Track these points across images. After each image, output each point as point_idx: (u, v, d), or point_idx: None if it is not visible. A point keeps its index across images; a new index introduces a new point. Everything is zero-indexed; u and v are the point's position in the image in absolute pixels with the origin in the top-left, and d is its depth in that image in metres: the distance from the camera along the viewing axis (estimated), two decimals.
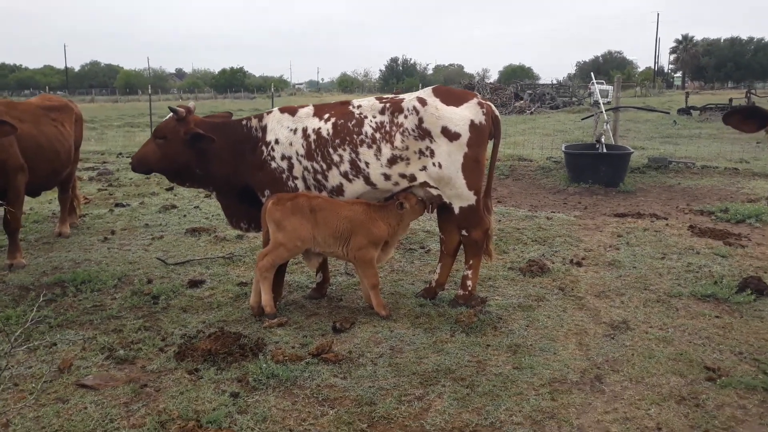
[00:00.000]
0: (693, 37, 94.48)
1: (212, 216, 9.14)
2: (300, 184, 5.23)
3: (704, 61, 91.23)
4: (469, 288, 5.31)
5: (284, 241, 5.02)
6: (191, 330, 4.97)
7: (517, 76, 79.05)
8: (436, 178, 5.02)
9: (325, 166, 5.12)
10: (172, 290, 5.91)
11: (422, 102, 4.97)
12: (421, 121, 4.93)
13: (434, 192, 5.10)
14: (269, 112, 5.38)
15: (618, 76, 14.01)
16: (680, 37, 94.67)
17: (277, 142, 5.19)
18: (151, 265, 6.82)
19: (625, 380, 4.08)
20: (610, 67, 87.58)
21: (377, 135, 5.01)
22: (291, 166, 5.18)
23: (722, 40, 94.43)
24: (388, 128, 5.01)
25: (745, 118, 3.90)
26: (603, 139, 12.23)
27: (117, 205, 10.26)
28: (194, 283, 6.10)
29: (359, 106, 5.17)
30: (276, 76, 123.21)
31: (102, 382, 4.11)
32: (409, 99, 5.07)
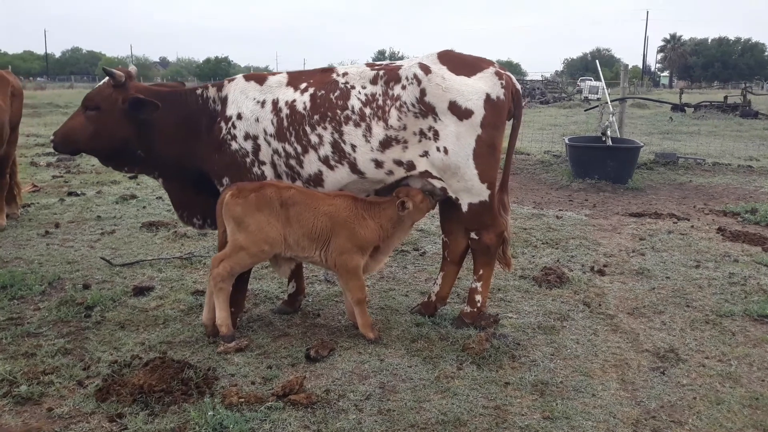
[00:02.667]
0: (681, 36, 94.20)
1: None
2: (268, 170, 4.15)
3: (691, 61, 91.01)
4: (478, 304, 4.27)
5: (246, 243, 3.94)
6: (125, 355, 3.88)
7: None
8: (441, 167, 3.97)
9: (300, 149, 4.04)
10: (112, 299, 4.83)
11: (425, 70, 3.91)
12: (423, 93, 3.87)
13: (437, 184, 4.05)
14: (231, 80, 4.28)
15: (625, 65, 13.02)
16: (668, 36, 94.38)
17: (239, 117, 4.10)
18: (93, 266, 5.71)
19: None
20: (599, 64, 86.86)
21: (367, 110, 3.95)
22: (257, 148, 4.10)
23: (710, 40, 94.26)
24: (381, 102, 3.95)
25: None
26: (609, 132, 11.28)
27: (70, 194, 9.12)
28: (140, 291, 5.01)
29: (345, 74, 4.09)
30: (261, 66, 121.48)
31: None
32: (408, 66, 4.00)
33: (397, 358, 3.84)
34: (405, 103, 3.89)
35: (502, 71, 4.01)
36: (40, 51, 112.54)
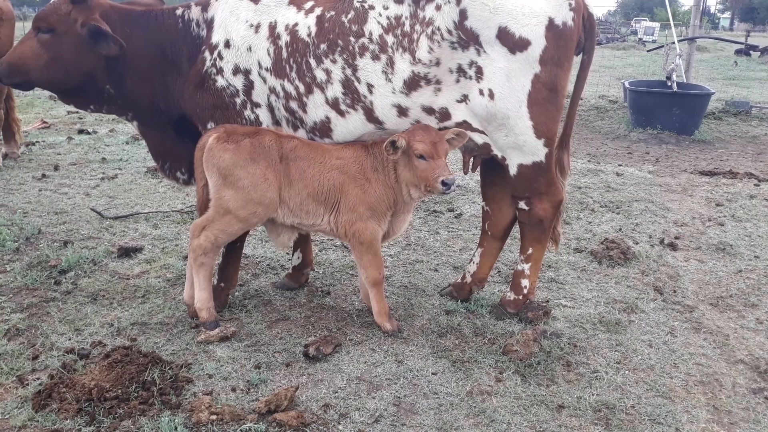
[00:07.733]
0: None
1: None
2: (264, 115, 3.28)
3: (757, 1, 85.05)
4: (525, 291, 3.41)
5: (234, 204, 3.12)
6: (86, 339, 3.17)
7: None
8: (484, 116, 3.05)
9: (303, 88, 3.15)
10: (92, 261, 4.13)
11: None
12: (463, 15, 2.92)
13: (479, 139, 3.14)
14: None
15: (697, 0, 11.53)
16: None
17: (227, 44, 3.21)
18: (83, 218, 5.02)
19: None
20: (654, 4, 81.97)
21: (389, 39, 3.02)
22: (249, 86, 3.22)
23: None
24: (407, 28, 3.01)
25: None
26: (674, 76, 10.01)
27: (80, 132, 8.45)
28: (126, 252, 4.29)
29: None
30: None
31: None
32: None
33: (420, 359, 3.03)
34: (439, 29, 2.94)
35: None
36: None
